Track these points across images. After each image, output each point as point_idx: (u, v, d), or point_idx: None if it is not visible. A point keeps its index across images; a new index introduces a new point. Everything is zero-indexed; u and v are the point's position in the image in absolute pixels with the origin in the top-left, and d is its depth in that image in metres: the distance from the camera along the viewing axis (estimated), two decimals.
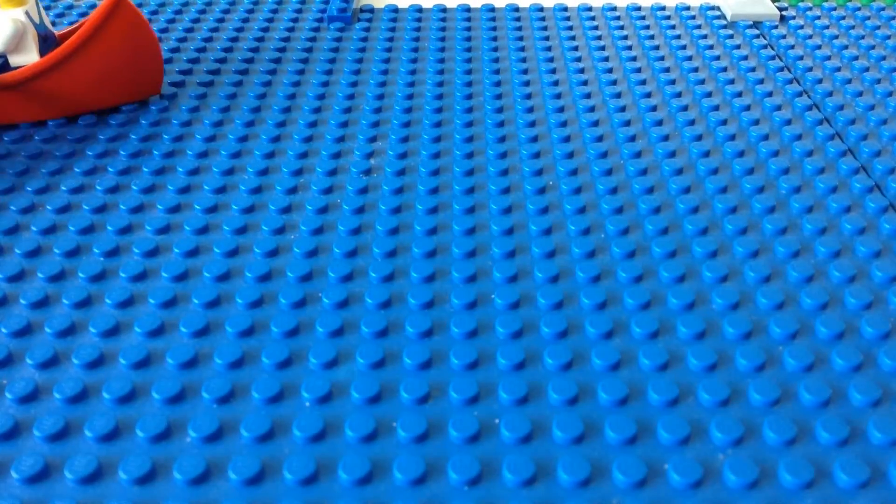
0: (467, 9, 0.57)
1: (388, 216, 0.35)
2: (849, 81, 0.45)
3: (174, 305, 0.30)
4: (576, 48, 0.51)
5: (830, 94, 0.44)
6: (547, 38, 0.52)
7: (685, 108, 0.43)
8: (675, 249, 0.33)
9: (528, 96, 0.45)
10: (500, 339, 0.29)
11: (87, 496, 0.24)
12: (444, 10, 0.57)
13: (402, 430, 0.25)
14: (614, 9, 0.56)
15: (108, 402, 0.26)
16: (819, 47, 0.50)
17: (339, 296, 0.30)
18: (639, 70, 0.47)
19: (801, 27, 0.53)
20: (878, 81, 0.45)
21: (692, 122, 0.42)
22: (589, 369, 0.27)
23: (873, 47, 0.50)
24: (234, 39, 0.53)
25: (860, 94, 0.44)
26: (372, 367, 0.28)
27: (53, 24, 0.55)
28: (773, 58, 0.49)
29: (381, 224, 0.34)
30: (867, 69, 0.47)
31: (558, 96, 0.45)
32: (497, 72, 0.48)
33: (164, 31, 0.54)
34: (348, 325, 0.29)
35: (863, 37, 0.51)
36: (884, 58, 0.48)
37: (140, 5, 0.58)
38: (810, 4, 0.56)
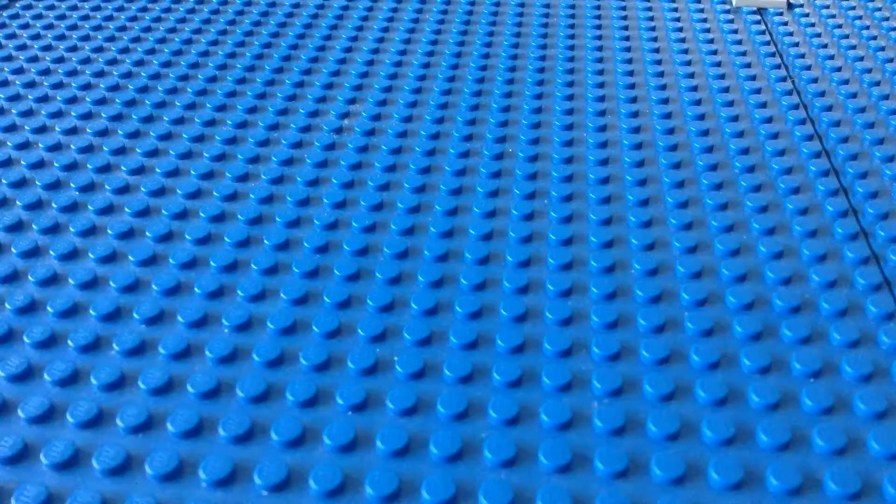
0: None
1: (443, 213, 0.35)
2: (845, 82, 0.43)
3: (220, 296, 0.31)
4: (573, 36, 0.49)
5: (822, 94, 0.42)
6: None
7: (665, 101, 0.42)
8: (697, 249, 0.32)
9: (540, 83, 0.44)
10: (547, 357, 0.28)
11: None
12: None
13: (434, 448, 0.24)
14: None
15: (144, 392, 0.27)
16: (819, 35, 0.49)
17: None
18: (629, 60, 0.46)
19: (807, 15, 0.51)
20: (878, 84, 0.43)
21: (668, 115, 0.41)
22: (640, 397, 0.26)
23: (882, 49, 0.47)
24: (315, 15, 0.52)
25: (854, 95, 0.42)
26: (411, 377, 0.27)
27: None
28: (770, 49, 0.47)
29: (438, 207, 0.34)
30: (869, 70, 0.44)
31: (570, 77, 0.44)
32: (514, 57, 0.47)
33: None
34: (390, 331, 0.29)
35: (872, 34, 0.49)
36: (890, 60, 0.45)
37: None
38: None
